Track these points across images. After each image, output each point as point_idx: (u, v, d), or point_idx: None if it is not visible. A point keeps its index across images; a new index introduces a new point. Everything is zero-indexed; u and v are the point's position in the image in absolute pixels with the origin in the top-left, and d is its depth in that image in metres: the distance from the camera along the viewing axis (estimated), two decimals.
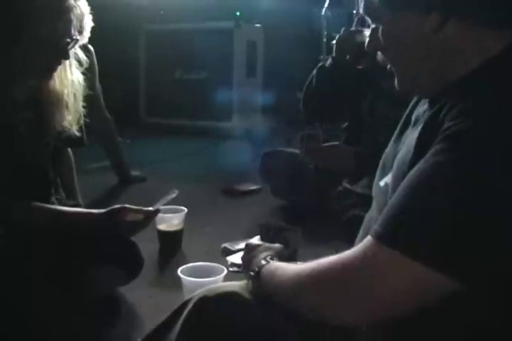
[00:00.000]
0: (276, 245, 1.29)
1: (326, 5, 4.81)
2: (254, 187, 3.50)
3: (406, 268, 0.81)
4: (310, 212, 2.79)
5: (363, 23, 2.48)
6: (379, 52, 1.11)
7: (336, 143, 2.53)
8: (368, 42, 1.10)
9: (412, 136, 0.99)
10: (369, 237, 0.86)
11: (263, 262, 1.13)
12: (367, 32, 2.44)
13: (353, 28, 2.63)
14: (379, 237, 0.84)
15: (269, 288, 1.05)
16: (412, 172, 0.87)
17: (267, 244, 1.29)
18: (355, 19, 2.64)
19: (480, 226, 0.78)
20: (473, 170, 0.80)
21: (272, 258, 1.14)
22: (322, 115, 2.68)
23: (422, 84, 1.03)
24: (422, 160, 0.86)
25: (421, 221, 0.81)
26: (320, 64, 2.75)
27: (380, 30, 1.02)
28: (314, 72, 2.72)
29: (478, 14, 0.91)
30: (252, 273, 1.12)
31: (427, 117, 0.95)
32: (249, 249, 1.27)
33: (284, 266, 1.06)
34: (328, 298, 0.89)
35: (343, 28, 2.63)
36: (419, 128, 0.95)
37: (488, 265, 0.80)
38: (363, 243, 0.87)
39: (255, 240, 1.34)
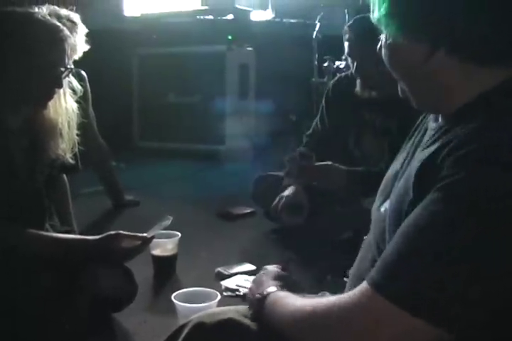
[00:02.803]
0: (293, 278, 1.29)
1: (316, 28, 4.87)
2: (248, 211, 3.50)
3: (399, 319, 0.81)
4: (303, 235, 2.81)
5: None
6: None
7: (329, 162, 2.56)
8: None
9: (411, 167, 0.98)
10: (365, 283, 0.87)
11: (272, 289, 1.11)
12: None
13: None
14: (374, 285, 0.85)
15: (269, 316, 1.05)
16: (409, 218, 0.87)
17: (283, 273, 1.26)
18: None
19: (469, 282, 0.79)
20: (466, 224, 0.80)
21: (282, 288, 1.12)
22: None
23: (427, 106, 1.05)
24: (419, 207, 0.86)
25: (418, 275, 0.81)
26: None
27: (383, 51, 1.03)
28: None
29: (466, 49, 0.91)
30: (258, 296, 1.11)
31: (426, 156, 0.94)
32: (264, 273, 1.25)
33: (289, 297, 1.05)
34: (323, 338, 0.90)
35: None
36: (418, 165, 0.95)
37: (480, 319, 0.81)
38: (360, 287, 0.88)
39: (272, 267, 1.33)
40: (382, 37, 1.01)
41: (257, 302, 1.10)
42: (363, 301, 0.86)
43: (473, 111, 0.91)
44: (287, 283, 1.17)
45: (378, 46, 1.04)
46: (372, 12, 0.99)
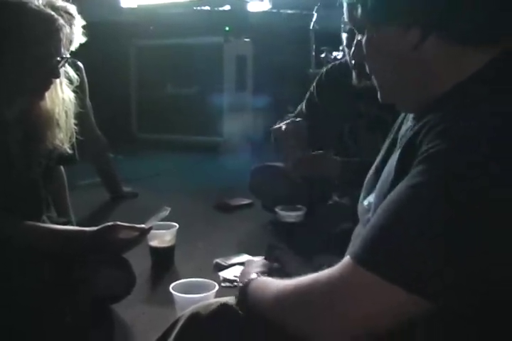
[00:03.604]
0: (275, 264, 1.30)
1: (314, 19, 4.86)
2: (245, 202, 3.50)
3: (381, 291, 0.81)
4: (300, 226, 2.80)
5: None
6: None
7: (321, 151, 2.55)
8: (353, 52, 1.10)
9: (393, 158, 0.99)
10: (347, 257, 0.86)
11: (253, 276, 1.13)
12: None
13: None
14: (356, 259, 0.84)
15: (252, 302, 1.05)
16: (392, 193, 0.87)
17: (265, 261, 1.30)
18: None
19: (455, 251, 0.79)
20: (449, 192, 0.79)
21: (263, 274, 1.15)
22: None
23: (402, 99, 1.05)
24: (401, 183, 0.86)
25: (399, 246, 0.81)
26: None
27: (363, 41, 1.02)
28: None
29: (460, 31, 0.90)
30: (240, 285, 1.12)
31: (405, 140, 0.95)
32: (247, 264, 1.29)
33: (268, 281, 1.06)
34: (305, 315, 0.89)
35: None
36: (399, 151, 0.95)
37: (466, 288, 0.80)
38: (341, 262, 0.87)
39: (257, 258, 1.36)
40: (366, 31, 1.01)
41: (240, 291, 1.11)
42: (344, 275, 0.85)
43: (450, 98, 0.91)
44: (270, 270, 1.20)
45: (364, 42, 1.03)
46: (361, 4, 0.98)
